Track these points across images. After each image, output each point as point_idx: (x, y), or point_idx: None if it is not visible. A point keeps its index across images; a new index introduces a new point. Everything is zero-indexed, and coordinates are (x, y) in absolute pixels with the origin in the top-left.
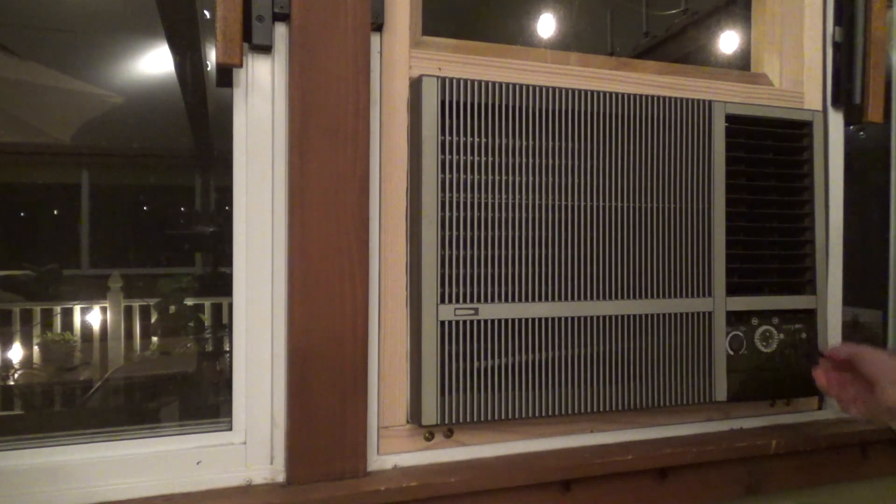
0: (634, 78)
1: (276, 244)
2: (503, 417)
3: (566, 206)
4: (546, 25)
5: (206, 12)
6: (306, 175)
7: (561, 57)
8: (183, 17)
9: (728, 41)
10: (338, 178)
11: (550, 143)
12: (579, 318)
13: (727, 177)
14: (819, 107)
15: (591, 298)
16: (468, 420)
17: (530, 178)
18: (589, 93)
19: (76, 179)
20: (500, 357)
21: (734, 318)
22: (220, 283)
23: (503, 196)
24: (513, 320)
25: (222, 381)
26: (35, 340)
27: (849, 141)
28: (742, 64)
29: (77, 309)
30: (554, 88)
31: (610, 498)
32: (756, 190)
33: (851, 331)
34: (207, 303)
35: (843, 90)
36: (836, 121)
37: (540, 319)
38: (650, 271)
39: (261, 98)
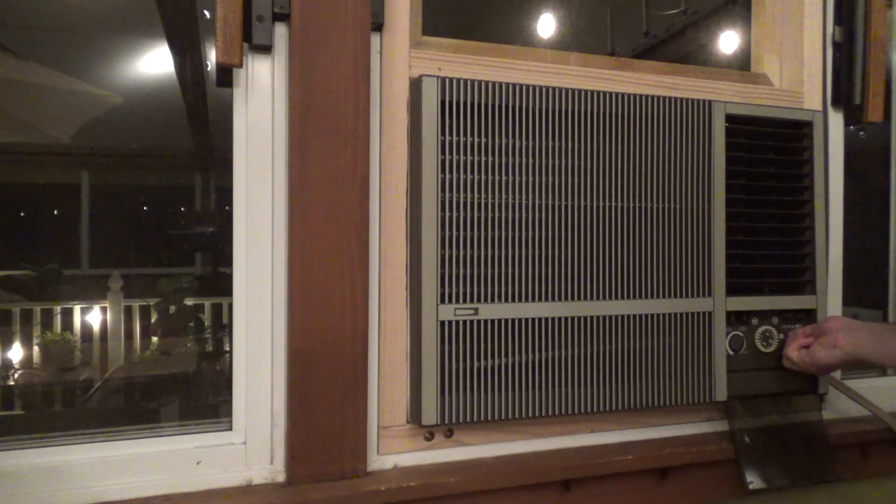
0: (634, 78)
1: (276, 244)
2: (503, 417)
3: (566, 206)
4: (546, 25)
5: (206, 12)
6: (306, 175)
7: (561, 57)
8: (183, 17)
9: (728, 41)
10: (338, 178)
11: (550, 143)
12: (579, 318)
13: (727, 177)
14: (819, 107)
15: (591, 298)
16: (468, 420)
17: (530, 178)
18: (589, 93)
19: (76, 179)
20: (499, 357)
21: (734, 318)
22: (220, 283)
23: (503, 196)
24: (513, 320)
25: (222, 381)
26: (35, 340)
27: (849, 141)
28: (742, 64)
29: (77, 309)
30: (554, 88)
31: (610, 498)
32: (756, 190)
33: None
34: (207, 303)
35: (843, 90)
36: (836, 121)
37: (540, 319)
38: (650, 271)
39: (261, 98)
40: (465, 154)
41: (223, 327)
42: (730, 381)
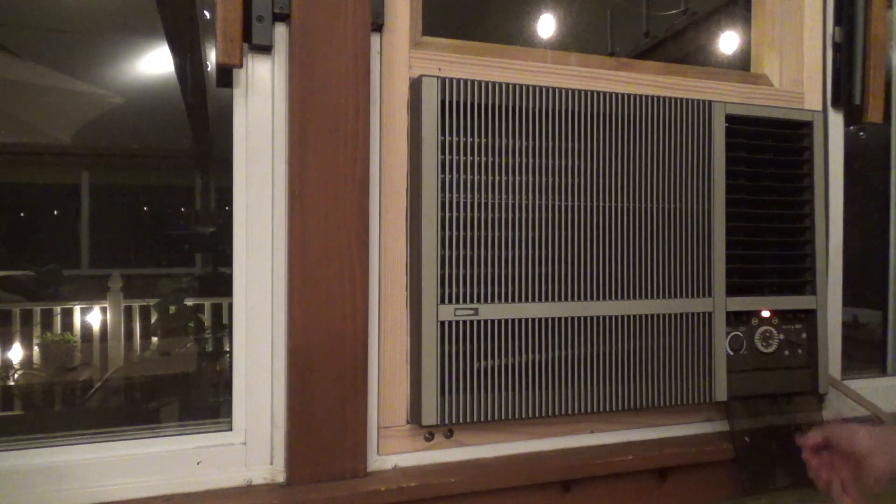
0: (634, 78)
1: (276, 244)
2: (503, 417)
3: (566, 207)
4: (546, 25)
5: (206, 12)
6: (306, 175)
7: (561, 57)
8: (183, 17)
9: (728, 41)
10: (338, 178)
11: (550, 144)
12: (579, 318)
13: (727, 177)
14: (819, 107)
15: (591, 298)
16: (468, 420)
17: (530, 179)
18: (589, 93)
19: (76, 179)
20: (500, 357)
21: (734, 318)
22: (220, 283)
23: (503, 196)
24: (513, 320)
25: (222, 381)
26: (35, 341)
27: (849, 141)
28: (742, 64)
29: (77, 309)
30: (554, 88)
31: (610, 498)
32: (756, 190)
33: (851, 331)
34: (207, 303)
35: (843, 90)
36: (836, 121)
37: (540, 320)
38: (650, 271)
39: (261, 98)
40: (465, 154)
41: (223, 327)
42: (730, 381)
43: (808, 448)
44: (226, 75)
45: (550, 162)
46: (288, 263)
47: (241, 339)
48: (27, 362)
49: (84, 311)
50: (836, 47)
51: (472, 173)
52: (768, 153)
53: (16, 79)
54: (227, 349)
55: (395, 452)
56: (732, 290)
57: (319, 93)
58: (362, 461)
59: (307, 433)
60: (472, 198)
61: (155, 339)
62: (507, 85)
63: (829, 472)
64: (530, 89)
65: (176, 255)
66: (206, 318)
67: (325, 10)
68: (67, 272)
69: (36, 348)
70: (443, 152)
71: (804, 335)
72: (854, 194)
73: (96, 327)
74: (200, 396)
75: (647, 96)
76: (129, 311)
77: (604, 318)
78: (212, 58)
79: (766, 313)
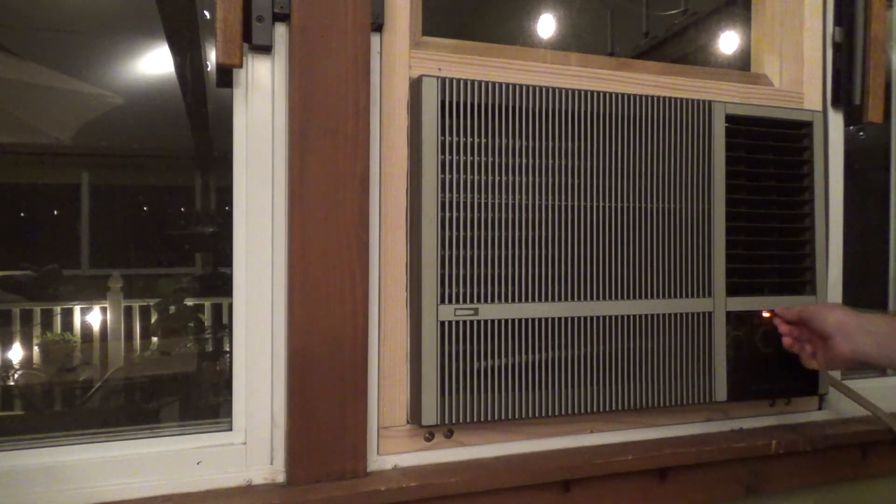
0: (634, 78)
1: (276, 244)
2: (503, 418)
3: (566, 207)
4: (546, 25)
5: (206, 12)
6: (306, 175)
7: (561, 57)
8: (183, 17)
9: (728, 41)
10: (338, 178)
11: (550, 144)
12: (579, 318)
13: (727, 177)
14: (819, 107)
15: (591, 298)
16: (468, 420)
17: (530, 179)
18: (589, 93)
19: (76, 179)
20: (500, 357)
21: (734, 318)
22: (220, 283)
23: (503, 196)
24: (513, 320)
25: (222, 381)
26: (35, 341)
27: (849, 141)
28: (742, 64)
29: (77, 309)
30: (554, 89)
31: (610, 498)
32: (756, 190)
33: None
34: (207, 303)
35: (843, 90)
36: (836, 121)
37: (540, 319)
38: (650, 271)
39: (261, 98)
40: (465, 154)
41: (223, 327)
42: (730, 381)
43: (785, 322)
44: (226, 75)
45: (550, 162)
46: (288, 263)
47: (241, 339)
48: (27, 362)
49: (84, 311)
50: (836, 47)
51: (473, 173)
52: (768, 153)
53: (16, 79)
54: (227, 349)
55: (395, 452)
56: (732, 291)
57: (319, 93)
58: (362, 461)
59: (307, 433)
60: (472, 198)
61: (155, 339)
62: (507, 85)
63: (799, 344)
64: (530, 89)
65: (176, 255)
66: (206, 318)
67: (325, 10)
68: (67, 272)
69: (36, 348)
70: (443, 152)
71: None
72: (854, 194)
73: (96, 327)
74: (200, 396)
75: (647, 96)
76: (129, 311)
77: (604, 318)
78: (212, 58)
79: (766, 313)
